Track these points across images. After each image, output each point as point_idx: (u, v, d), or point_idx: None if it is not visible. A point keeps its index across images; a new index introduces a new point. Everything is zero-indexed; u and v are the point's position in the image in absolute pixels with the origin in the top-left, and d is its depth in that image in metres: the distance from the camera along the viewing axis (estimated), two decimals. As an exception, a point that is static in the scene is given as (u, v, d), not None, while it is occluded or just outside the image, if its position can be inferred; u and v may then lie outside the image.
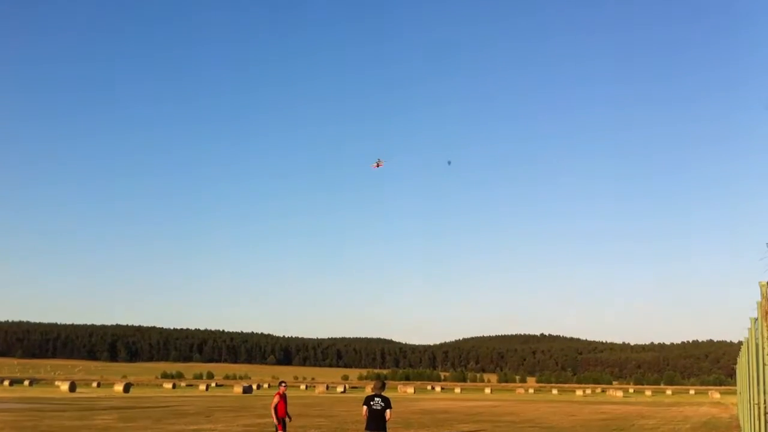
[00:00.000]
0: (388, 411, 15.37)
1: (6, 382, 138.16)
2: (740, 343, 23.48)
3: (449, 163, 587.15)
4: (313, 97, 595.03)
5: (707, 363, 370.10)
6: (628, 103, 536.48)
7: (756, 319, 11.00)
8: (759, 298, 9.77)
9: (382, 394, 15.76)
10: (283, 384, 20.69)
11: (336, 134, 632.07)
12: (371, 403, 15.24)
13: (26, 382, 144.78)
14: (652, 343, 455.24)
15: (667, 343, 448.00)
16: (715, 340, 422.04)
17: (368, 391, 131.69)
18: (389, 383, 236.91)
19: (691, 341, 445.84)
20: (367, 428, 15.19)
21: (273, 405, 19.45)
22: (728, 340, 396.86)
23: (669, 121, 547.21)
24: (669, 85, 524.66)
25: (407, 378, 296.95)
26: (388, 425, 15.52)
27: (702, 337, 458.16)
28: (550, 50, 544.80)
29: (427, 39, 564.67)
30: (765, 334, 8.98)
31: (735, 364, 40.66)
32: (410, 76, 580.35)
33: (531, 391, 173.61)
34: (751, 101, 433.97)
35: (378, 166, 75.30)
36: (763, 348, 9.08)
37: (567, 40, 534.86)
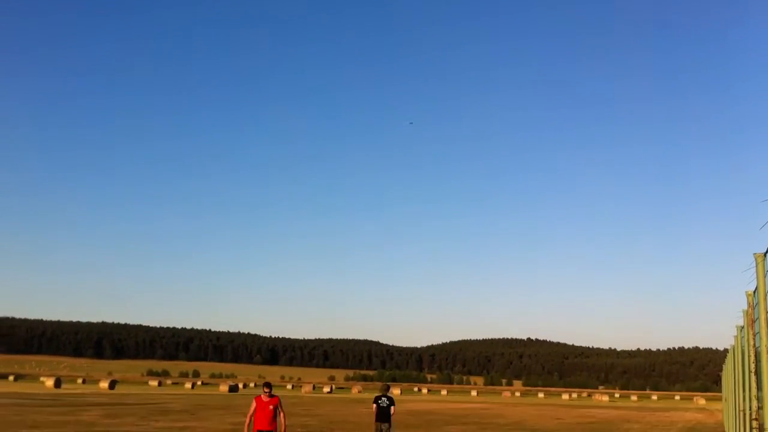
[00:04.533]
0: (392, 407, 19.96)
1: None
2: (726, 350, 23.64)
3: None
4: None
5: (693, 370, 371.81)
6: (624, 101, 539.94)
7: (742, 328, 11.24)
8: (745, 307, 9.98)
9: (387, 395, 20.34)
10: (266, 388, 14.57)
11: (333, 129, 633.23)
12: (379, 401, 19.96)
13: (11, 378, 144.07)
14: (638, 349, 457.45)
15: (654, 349, 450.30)
16: (701, 347, 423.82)
17: (354, 392, 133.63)
18: (375, 384, 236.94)
19: (677, 348, 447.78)
20: (376, 420, 19.79)
21: (249, 414, 14.32)
22: (714, 348, 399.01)
23: (661, 133, 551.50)
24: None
25: (394, 380, 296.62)
26: (393, 419, 20.08)
27: (688, 344, 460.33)
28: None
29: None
30: (751, 342, 9.13)
31: (721, 371, 40.91)
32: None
33: (517, 394, 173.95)
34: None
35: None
36: (749, 356, 9.23)
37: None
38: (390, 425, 20.04)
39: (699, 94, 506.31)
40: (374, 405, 20.14)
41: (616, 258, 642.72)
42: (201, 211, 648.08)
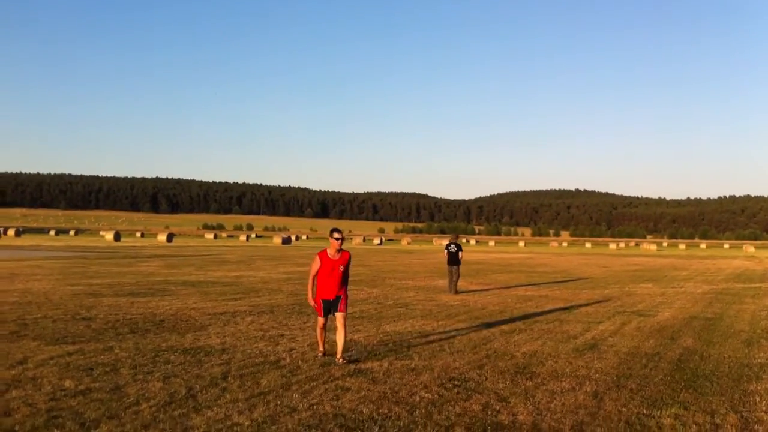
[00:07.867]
0: (460, 253, 23.04)
1: (52, 232, 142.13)
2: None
3: None
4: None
5: (743, 218, 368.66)
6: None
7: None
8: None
9: (456, 242, 23.37)
10: (336, 233, 10.33)
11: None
12: (448, 248, 23.11)
13: (71, 232, 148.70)
14: (688, 198, 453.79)
15: (704, 197, 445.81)
16: (753, 195, 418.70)
17: (403, 243, 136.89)
18: (424, 236, 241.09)
19: (727, 196, 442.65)
20: (447, 264, 22.88)
21: (311, 274, 10.36)
22: (766, 195, 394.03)
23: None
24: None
25: (442, 231, 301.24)
26: (461, 263, 23.22)
27: (739, 192, 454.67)
28: None
29: None
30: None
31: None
32: None
33: (564, 244, 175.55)
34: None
35: None
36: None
37: None
38: (458, 267, 22.87)
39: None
40: (445, 251, 23.22)
41: (665, 106, 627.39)
42: (250, 70, 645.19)
